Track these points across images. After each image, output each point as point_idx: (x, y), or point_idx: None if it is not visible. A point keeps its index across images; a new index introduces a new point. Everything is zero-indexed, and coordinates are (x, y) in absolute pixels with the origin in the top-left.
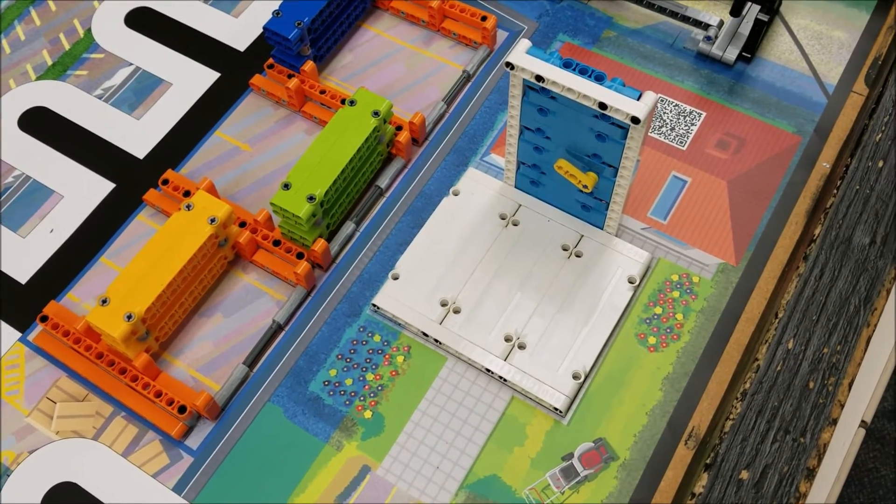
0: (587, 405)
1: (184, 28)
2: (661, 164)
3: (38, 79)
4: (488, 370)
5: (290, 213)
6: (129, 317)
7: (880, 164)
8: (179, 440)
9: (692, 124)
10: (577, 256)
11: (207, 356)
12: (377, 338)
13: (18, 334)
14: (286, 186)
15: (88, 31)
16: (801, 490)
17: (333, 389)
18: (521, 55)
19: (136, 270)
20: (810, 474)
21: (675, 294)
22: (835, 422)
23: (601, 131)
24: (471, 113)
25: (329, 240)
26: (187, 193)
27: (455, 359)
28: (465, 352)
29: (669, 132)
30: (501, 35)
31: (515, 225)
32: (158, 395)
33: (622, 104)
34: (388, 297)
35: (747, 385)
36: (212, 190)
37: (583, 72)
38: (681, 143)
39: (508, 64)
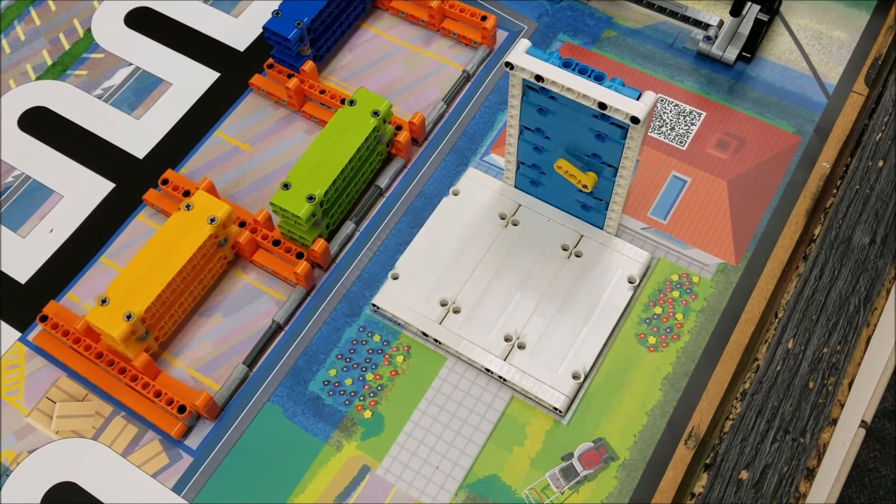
0: (587, 405)
1: (184, 28)
2: (660, 163)
3: (38, 79)
4: (488, 370)
5: (290, 212)
6: (129, 317)
7: (880, 163)
8: (179, 440)
9: (692, 124)
10: (577, 256)
11: (207, 356)
12: (377, 338)
13: (18, 334)
14: (286, 186)
15: (88, 31)
16: (800, 490)
17: (333, 389)
18: (521, 55)
19: (135, 270)
20: (810, 474)
21: (675, 294)
22: (835, 422)
23: (601, 131)
24: (470, 113)
25: (329, 240)
26: (187, 193)
27: (455, 359)
28: (464, 352)
29: (669, 132)
30: (501, 35)
31: (515, 225)
32: (158, 394)
33: (622, 104)
34: (388, 297)
35: (747, 385)
36: (211, 190)
37: (582, 72)
38: (681, 142)
39: (508, 64)
